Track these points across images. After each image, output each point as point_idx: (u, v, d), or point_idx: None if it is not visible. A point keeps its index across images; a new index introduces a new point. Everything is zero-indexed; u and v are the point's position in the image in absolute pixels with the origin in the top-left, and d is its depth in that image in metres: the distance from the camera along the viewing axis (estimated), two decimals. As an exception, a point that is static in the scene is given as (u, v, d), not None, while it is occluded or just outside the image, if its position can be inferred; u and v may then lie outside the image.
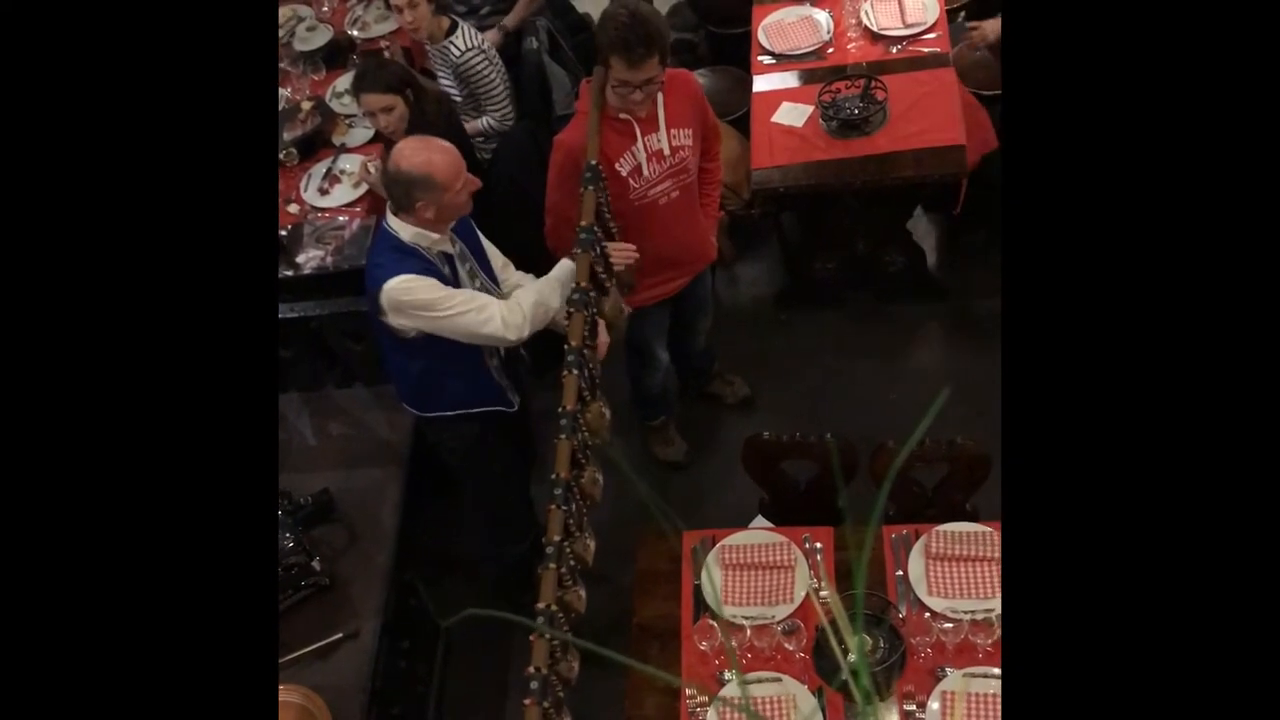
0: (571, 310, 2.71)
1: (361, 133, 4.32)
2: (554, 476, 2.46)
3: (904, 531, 2.88)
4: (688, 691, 2.66)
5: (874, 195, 4.01)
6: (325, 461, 3.40)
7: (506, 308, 2.94)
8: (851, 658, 1.41)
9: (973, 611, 2.67)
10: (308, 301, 3.88)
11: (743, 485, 3.31)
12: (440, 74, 4.15)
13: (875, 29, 4.30)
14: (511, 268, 3.25)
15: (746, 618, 2.76)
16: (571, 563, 2.48)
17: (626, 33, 2.88)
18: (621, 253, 3.03)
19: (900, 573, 2.80)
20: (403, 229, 2.88)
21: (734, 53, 4.76)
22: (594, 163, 2.95)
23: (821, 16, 4.43)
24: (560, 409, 2.55)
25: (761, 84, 4.28)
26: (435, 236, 2.90)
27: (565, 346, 2.65)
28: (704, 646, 2.72)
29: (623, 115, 3.11)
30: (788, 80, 4.28)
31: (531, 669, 2.21)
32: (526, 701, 2.18)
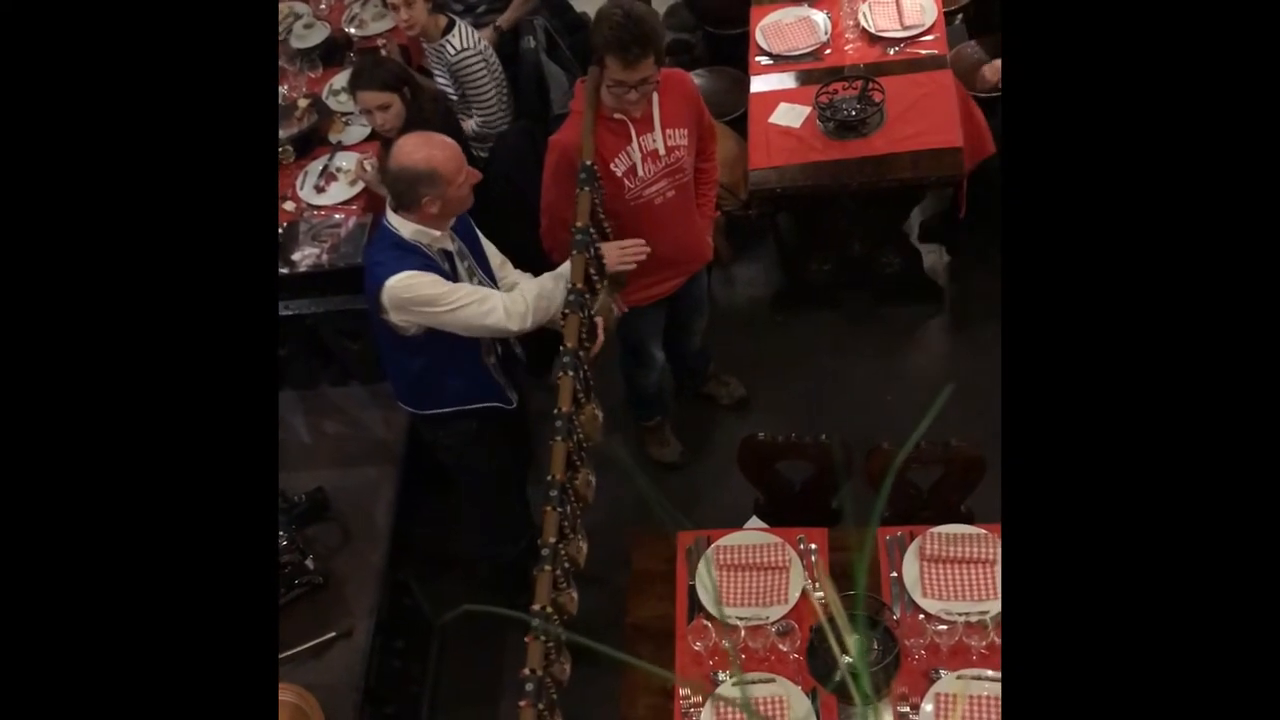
0: (567, 312, 2.71)
1: (358, 130, 4.31)
2: (549, 478, 2.46)
3: (899, 533, 2.88)
4: (682, 692, 2.66)
5: (871, 196, 4.01)
6: (320, 460, 3.39)
7: (509, 298, 2.95)
8: (850, 659, 1.41)
9: (967, 614, 2.67)
10: (303, 299, 3.88)
11: (738, 486, 3.31)
12: (436, 72, 4.14)
13: (873, 30, 4.30)
14: (509, 265, 3.25)
15: (741, 618, 2.76)
16: (566, 565, 2.48)
17: (621, 32, 2.87)
18: (632, 250, 3.02)
19: (895, 574, 2.80)
20: (403, 226, 2.87)
21: (732, 53, 4.76)
22: (589, 163, 2.94)
23: (819, 18, 4.43)
24: (555, 410, 2.54)
25: (759, 85, 4.28)
26: (436, 233, 2.90)
27: (561, 348, 2.65)
28: (698, 647, 2.72)
29: (618, 115, 3.11)
30: (785, 81, 4.28)
31: (527, 671, 2.20)
32: (522, 704, 2.18)
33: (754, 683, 2.64)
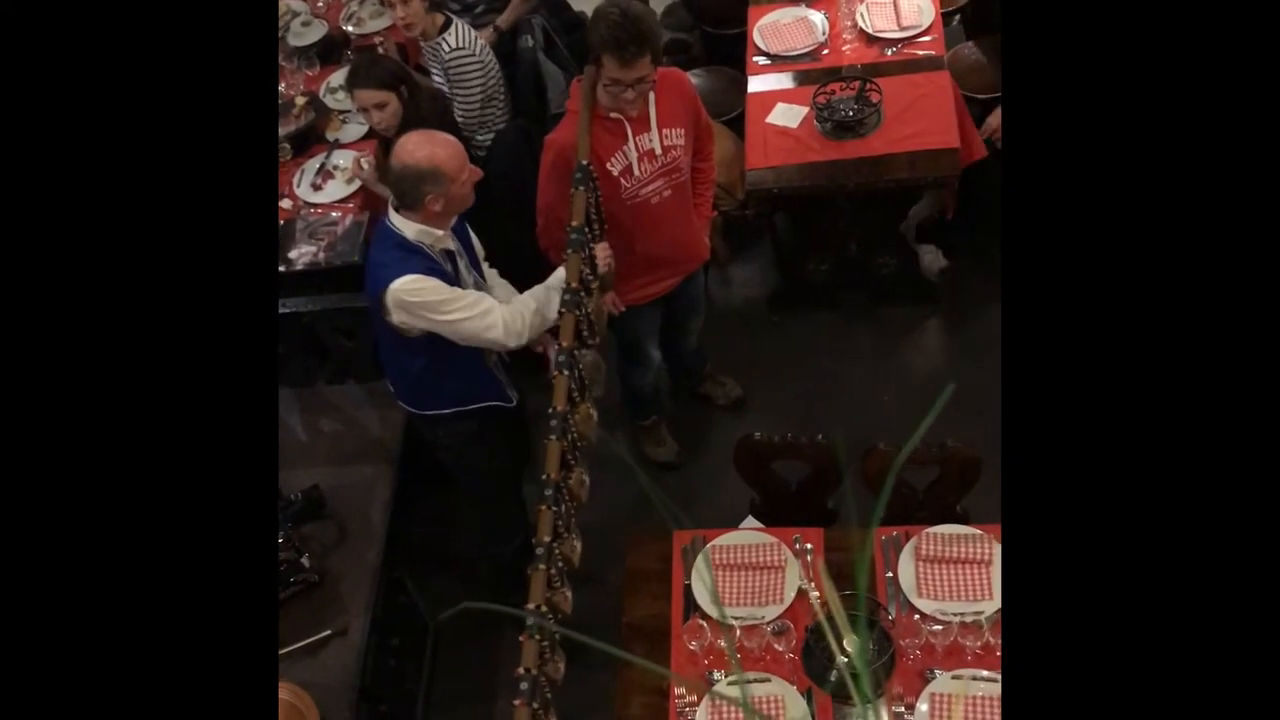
0: (562, 311, 2.71)
1: (355, 129, 4.31)
2: (544, 477, 2.46)
3: (894, 533, 2.88)
4: (677, 691, 2.66)
5: (868, 197, 4.01)
6: (316, 458, 3.39)
7: (509, 313, 2.94)
8: (846, 659, 1.41)
9: (962, 614, 2.67)
10: (300, 297, 3.87)
11: (734, 486, 3.31)
12: (433, 70, 4.14)
13: (870, 31, 4.31)
14: (486, 264, 3.26)
15: (736, 618, 2.76)
16: (560, 564, 2.48)
17: (618, 31, 2.87)
18: (601, 254, 3.04)
19: (890, 574, 2.80)
20: (406, 226, 2.87)
21: (729, 53, 4.76)
22: (585, 163, 2.94)
23: (817, 18, 4.43)
24: (550, 410, 2.54)
25: (756, 85, 4.28)
26: (439, 233, 2.89)
27: (555, 346, 2.65)
28: (693, 646, 2.72)
29: (614, 114, 3.10)
30: (783, 81, 4.28)
31: (521, 670, 2.20)
32: (516, 702, 2.18)
33: (750, 682, 2.64)
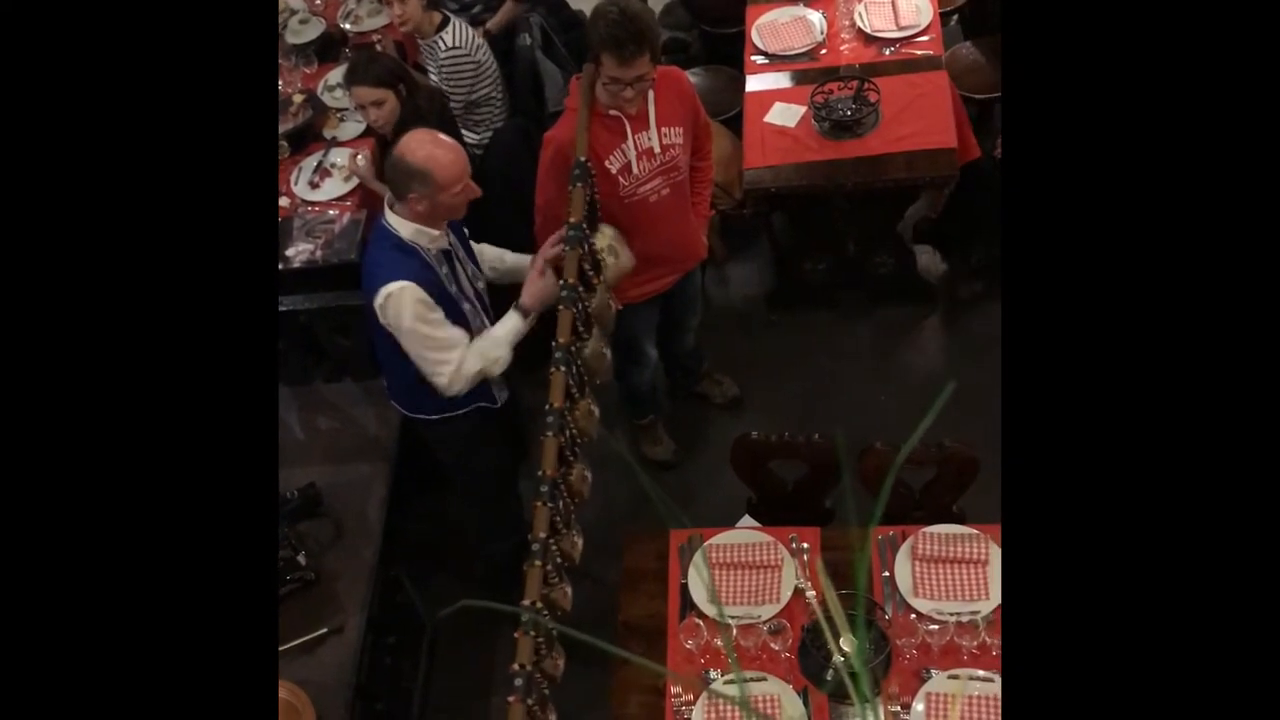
0: (560, 307, 2.70)
1: (353, 126, 4.31)
2: (540, 474, 2.46)
3: (891, 533, 2.88)
4: (674, 690, 2.66)
5: (865, 197, 4.01)
6: (312, 456, 3.38)
7: (458, 369, 2.94)
8: (842, 659, 1.41)
9: (958, 613, 2.67)
10: (297, 295, 3.88)
11: (731, 485, 3.31)
12: (431, 69, 4.13)
13: (869, 31, 4.31)
14: (487, 247, 3.25)
15: (733, 617, 2.76)
16: (558, 560, 2.48)
17: (617, 29, 2.87)
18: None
19: (887, 574, 2.81)
20: (401, 226, 2.86)
21: (727, 52, 4.77)
22: (583, 160, 2.94)
23: (815, 17, 4.43)
24: (548, 406, 2.54)
25: (755, 84, 4.29)
26: (434, 233, 2.89)
27: (553, 343, 2.64)
28: (690, 645, 2.72)
29: (613, 112, 3.10)
30: (781, 80, 4.28)
31: (515, 666, 2.20)
32: (510, 699, 2.17)
33: (746, 681, 2.64)
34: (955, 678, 2.58)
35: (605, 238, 3.07)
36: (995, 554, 2.77)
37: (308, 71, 4.58)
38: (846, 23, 4.37)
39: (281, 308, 3.81)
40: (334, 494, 3.24)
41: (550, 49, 4.49)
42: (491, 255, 3.27)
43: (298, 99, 4.40)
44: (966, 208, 4.15)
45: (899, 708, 2.56)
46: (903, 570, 2.80)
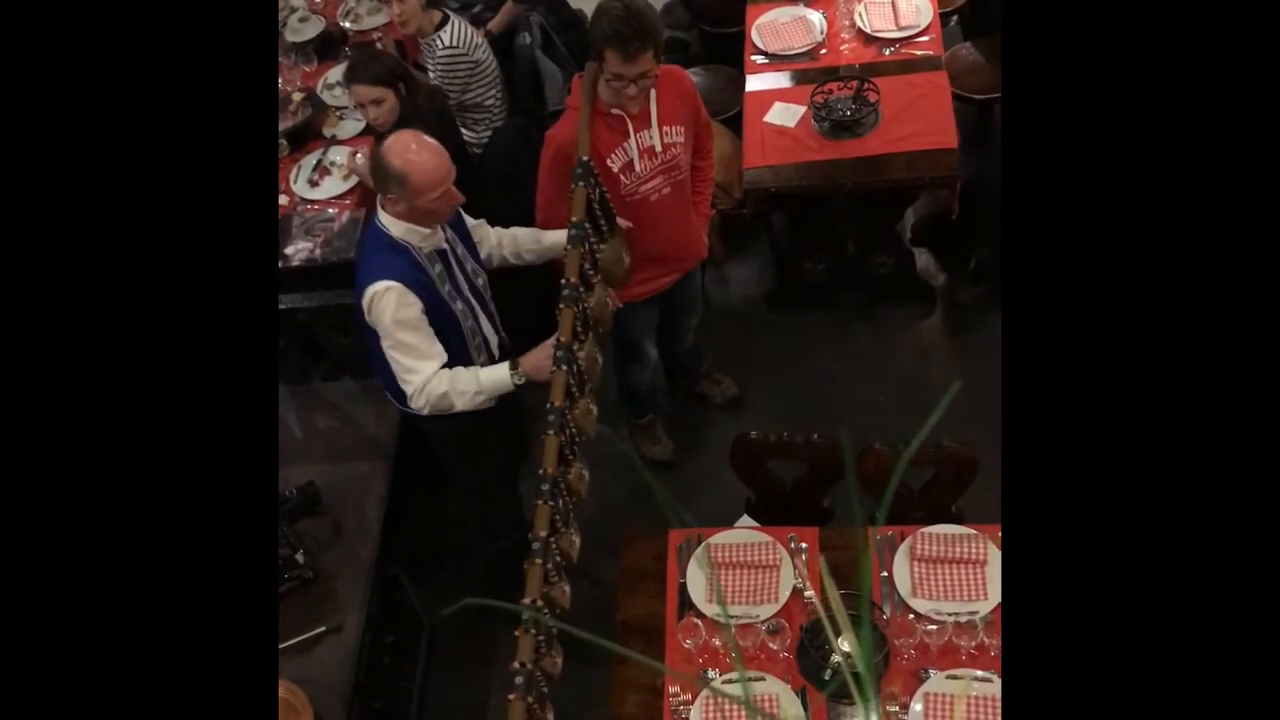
0: (562, 306, 2.70)
1: (352, 125, 4.31)
2: (541, 472, 2.46)
3: (890, 533, 2.88)
4: (671, 689, 2.66)
5: (865, 197, 4.01)
6: (311, 454, 3.38)
7: (425, 384, 2.92)
8: (842, 659, 1.41)
9: (957, 614, 2.67)
10: (296, 294, 3.88)
11: (730, 484, 3.31)
12: (430, 67, 4.13)
13: (868, 31, 4.31)
14: (484, 225, 3.24)
15: (731, 617, 2.76)
16: (557, 558, 2.48)
17: (621, 26, 2.87)
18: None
19: (885, 574, 2.81)
20: (393, 225, 2.86)
21: (727, 52, 4.77)
22: (585, 159, 2.94)
23: (815, 17, 4.43)
24: (548, 405, 2.54)
25: (754, 84, 4.29)
26: (425, 232, 2.88)
27: (554, 341, 2.64)
28: (688, 645, 2.72)
29: (615, 111, 3.10)
30: (781, 80, 4.28)
31: (516, 664, 2.20)
32: (511, 696, 2.17)
33: (746, 680, 2.64)
34: (957, 678, 2.58)
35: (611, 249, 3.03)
36: (994, 554, 2.77)
37: (307, 70, 4.58)
38: (846, 23, 4.37)
39: (280, 306, 3.80)
40: (333, 492, 3.24)
41: (550, 48, 4.49)
42: (525, 238, 3.25)
43: (297, 97, 4.40)
44: (966, 209, 4.15)
45: (897, 708, 2.56)
46: (901, 570, 2.80)
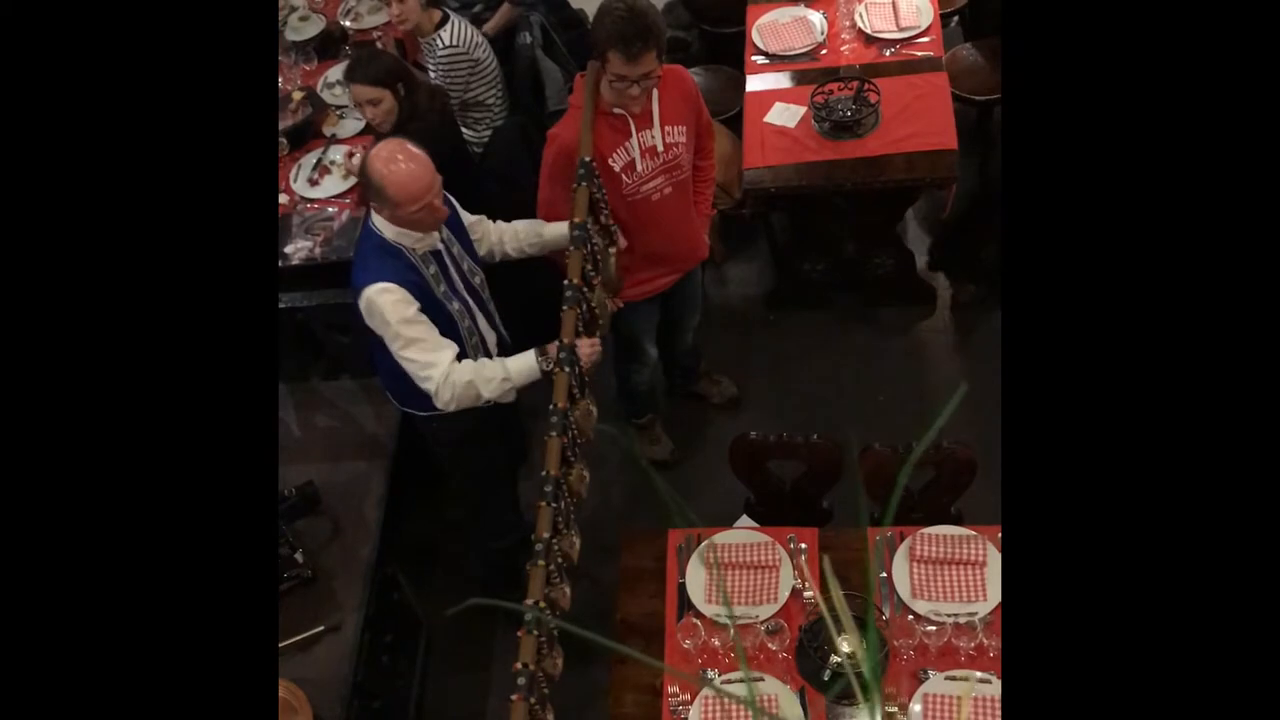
0: (565, 307, 2.70)
1: (352, 124, 4.30)
2: (544, 473, 2.46)
3: (889, 534, 2.88)
4: (670, 689, 2.66)
5: (865, 197, 4.01)
6: (310, 454, 3.38)
7: (457, 373, 2.87)
8: (845, 659, 1.41)
9: (956, 615, 2.67)
10: (295, 292, 3.87)
11: (728, 485, 3.31)
12: (430, 67, 4.13)
13: (869, 31, 4.31)
14: (484, 221, 3.22)
15: (730, 617, 2.76)
16: (559, 560, 2.48)
17: (624, 26, 2.87)
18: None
19: (884, 575, 2.81)
20: (385, 228, 2.85)
21: (728, 52, 4.76)
22: (587, 159, 2.94)
23: (815, 18, 4.43)
24: (551, 406, 2.54)
25: (755, 84, 4.28)
26: (417, 235, 2.87)
27: (558, 343, 2.64)
28: (687, 645, 2.72)
29: (617, 110, 3.10)
30: (781, 81, 4.28)
31: (519, 665, 2.20)
32: (514, 697, 2.17)
33: (741, 680, 2.64)
34: (963, 679, 2.58)
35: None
36: (993, 555, 2.77)
37: (307, 68, 4.57)
38: (847, 23, 4.37)
39: (280, 305, 3.80)
40: (331, 492, 3.24)
41: (550, 48, 4.49)
42: (526, 231, 3.23)
43: (297, 96, 4.39)
44: (966, 210, 4.16)
45: (896, 709, 2.56)
46: (900, 571, 2.80)
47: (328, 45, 4.73)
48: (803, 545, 2.90)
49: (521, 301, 3.42)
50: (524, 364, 2.91)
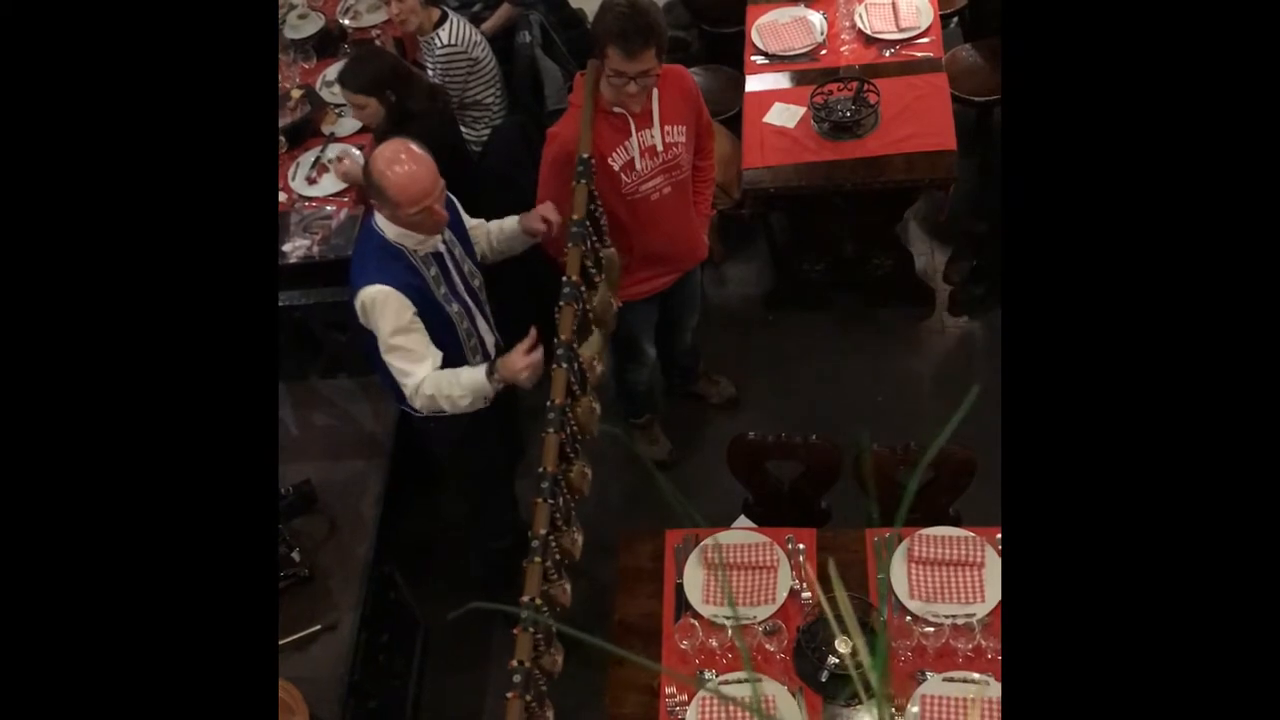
0: (562, 304, 2.70)
1: (351, 123, 4.30)
2: (540, 470, 2.45)
3: (887, 535, 2.88)
4: (668, 690, 2.65)
5: (864, 198, 4.01)
6: (308, 452, 3.38)
7: (419, 386, 2.89)
8: (847, 659, 1.40)
9: (954, 616, 2.67)
10: (293, 291, 3.87)
11: (727, 485, 3.31)
12: (429, 65, 4.12)
13: (869, 32, 4.31)
14: (482, 225, 3.22)
15: (728, 618, 2.75)
16: (558, 557, 2.48)
17: (625, 23, 2.87)
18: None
19: (882, 576, 2.80)
20: (387, 228, 2.85)
21: (727, 52, 4.76)
22: (586, 156, 2.93)
23: (815, 18, 4.43)
24: (548, 403, 2.54)
25: (754, 84, 4.28)
26: (419, 237, 2.86)
27: (554, 340, 2.64)
28: (684, 645, 2.71)
29: (617, 109, 3.10)
30: (780, 81, 4.28)
31: (515, 662, 2.20)
32: (509, 695, 2.17)
33: (740, 682, 2.64)
34: (950, 680, 2.57)
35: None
36: (991, 556, 2.77)
37: (306, 67, 4.57)
38: (847, 24, 4.37)
39: (278, 303, 3.79)
40: (329, 490, 3.24)
41: (550, 47, 4.48)
42: (494, 231, 3.23)
43: (296, 94, 4.39)
44: (966, 210, 4.15)
45: (894, 710, 2.55)
46: (898, 572, 2.79)
47: (326, 43, 4.72)
48: (801, 546, 2.89)
49: (520, 302, 3.41)
50: (475, 378, 2.90)
